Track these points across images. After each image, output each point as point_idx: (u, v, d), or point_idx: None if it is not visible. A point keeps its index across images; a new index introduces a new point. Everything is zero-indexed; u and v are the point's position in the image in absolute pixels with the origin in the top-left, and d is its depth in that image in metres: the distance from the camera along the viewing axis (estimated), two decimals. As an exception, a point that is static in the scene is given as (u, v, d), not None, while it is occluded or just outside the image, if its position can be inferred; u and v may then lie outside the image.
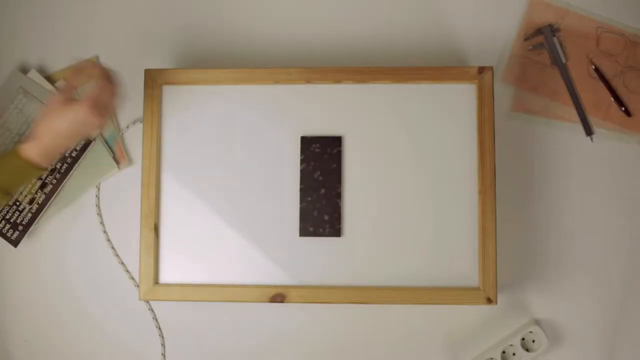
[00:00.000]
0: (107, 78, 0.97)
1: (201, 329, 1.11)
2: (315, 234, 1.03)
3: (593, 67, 1.11)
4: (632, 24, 1.12)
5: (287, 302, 1.01)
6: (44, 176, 1.11)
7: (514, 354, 1.05)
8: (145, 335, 1.11)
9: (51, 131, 0.93)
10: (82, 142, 1.12)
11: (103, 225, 1.13)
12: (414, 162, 1.03)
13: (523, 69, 1.11)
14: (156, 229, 1.03)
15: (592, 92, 1.11)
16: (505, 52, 1.12)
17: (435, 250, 1.02)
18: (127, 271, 1.12)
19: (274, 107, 1.05)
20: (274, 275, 1.03)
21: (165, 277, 1.03)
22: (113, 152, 1.13)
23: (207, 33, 1.15)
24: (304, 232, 1.03)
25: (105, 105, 0.95)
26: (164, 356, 1.11)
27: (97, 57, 1.15)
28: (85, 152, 1.12)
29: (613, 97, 1.10)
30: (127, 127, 1.14)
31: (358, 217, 1.03)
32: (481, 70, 1.03)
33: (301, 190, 1.04)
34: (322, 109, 1.05)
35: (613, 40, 1.11)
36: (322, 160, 1.04)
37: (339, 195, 1.04)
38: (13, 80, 1.13)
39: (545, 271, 1.09)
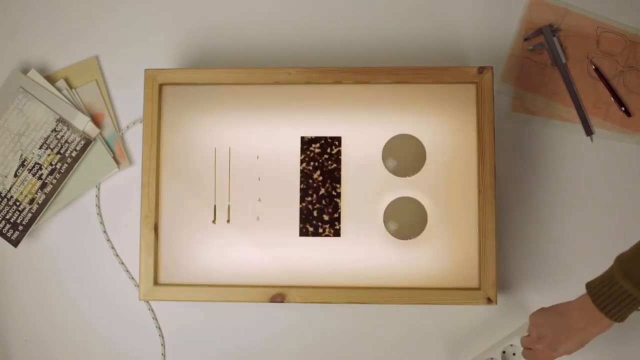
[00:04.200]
0: None
1: (201, 329, 1.11)
2: (315, 234, 1.03)
3: (593, 67, 1.11)
4: (632, 24, 1.11)
5: (287, 302, 1.01)
6: (44, 176, 1.11)
7: (514, 354, 1.05)
8: (145, 335, 1.11)
9: None
10: (82, 142, 1.12)
11: (103, 225, 1.13)
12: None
13: (523, 69, 1.11)
14: (156, 229, 1.03)
15: (592, 92, 1.11)
16: (505, 52, 1.12)
17: (435, 250, 1.02)
18: (127, 271, 1.12)
19: (274, 107, 1.05)
20: (274, 275, 1.03)
21: (165, 277, 1.03)
22: (113, 152, 1.13)
23: (207, 33, 1.15)
24: (303, 232, 1.03)
25: None
26: (164, 356, 1.11)
27: (97, 57, 1.15)
28: (85, 152, 1.12)
29: (613, 97, 1.10)
30: (127, 127, 1.14)
31: (358, 217, 1.03)
32: (481, 70, 1.03)
33: (301, 190, 1.04)
34: (322, 109, 1.05)
35: (613, 40, 1.11)
36: (322, 160, 1.04)
37: (339, 195, 1.04)
38: (13, 80, 1.13)
39: (545, 271, 1.09)
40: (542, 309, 0.96)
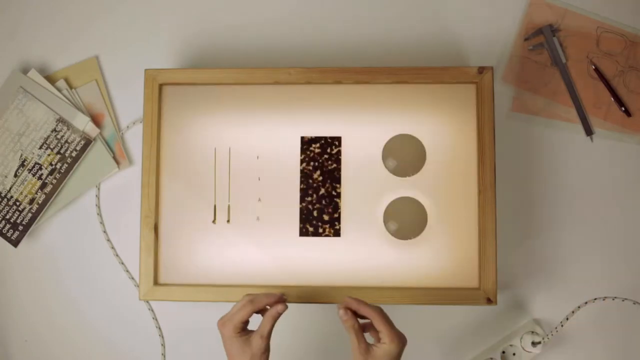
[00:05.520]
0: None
1: (201, 329, 1.11)
2: (315, 234, 1.03)
3: (593, 67, 1.11)
4: (632, 24, 1.12)
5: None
6: (44, 176, 1.11)
7: (514, 354, 1.05)
8: (145, 335, 1.11)
9: None
10: (82, 142, 1.12)
11: (103, 225, 1.13)
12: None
13: (523, 69, 1.11)
14: (156, 229, 1.03)
15: (592, 92, 1.11)
16: (505, 52, 1.12)
17: (435, 250, 1.02)
18: (127, 271, 1.12)
19: (274, 107, 1.05)
20: (274, 275, 1.03)
21: (165, 277, 1.03)
22: (113, 152, 1.13)
23: (206, 33, 1.15)
24: (303, 232, 1.03)
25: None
26: (164, 356, 1.11)
27: (97, 57, 1.15)
28: (85, 152, 1.12)
29: (613, 97, 1.10)
30: (127, 127, 1.14)
31: (358, 217, 1.03)
32: (481, 70, 1.03)
33: (301, 190, 1.04)
34: (322, 109, 1.05)
35: (613, 40, 1.11)
36: (322, 160, 1.04)
37: (339, 195, 1.04)
38: (13, 80, 1.13)
39: (545, 271, 1.09)
40: None
